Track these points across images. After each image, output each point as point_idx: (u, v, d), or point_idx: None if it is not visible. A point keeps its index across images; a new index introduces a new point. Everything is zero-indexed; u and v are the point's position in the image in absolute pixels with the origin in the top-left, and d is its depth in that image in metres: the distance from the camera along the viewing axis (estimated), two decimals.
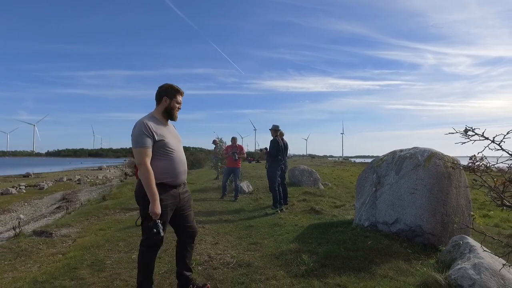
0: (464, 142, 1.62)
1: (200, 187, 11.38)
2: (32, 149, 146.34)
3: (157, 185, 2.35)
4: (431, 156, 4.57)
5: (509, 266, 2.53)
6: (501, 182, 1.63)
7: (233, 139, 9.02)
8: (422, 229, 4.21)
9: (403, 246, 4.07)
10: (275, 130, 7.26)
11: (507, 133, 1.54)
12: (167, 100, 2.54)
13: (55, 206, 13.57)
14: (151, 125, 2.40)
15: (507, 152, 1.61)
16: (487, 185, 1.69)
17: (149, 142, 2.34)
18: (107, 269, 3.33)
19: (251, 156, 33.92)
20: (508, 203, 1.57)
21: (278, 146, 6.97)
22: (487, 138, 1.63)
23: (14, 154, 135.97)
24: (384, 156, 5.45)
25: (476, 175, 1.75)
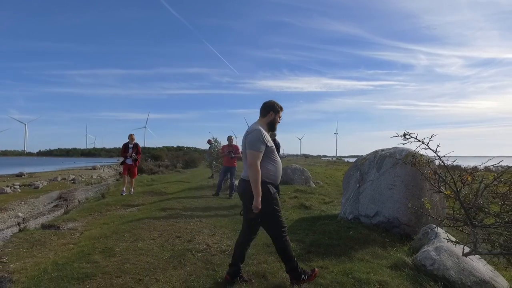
0: (405, 143, 2.06)
1: (196, 185, 11.77)
2: (23, 149, 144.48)
3: (266, 183, 2.83)
4: (408, 155, 5.06)
5: (456, 243, 3.01)
6: (432, 172, 2.09)
7: (230, 139, 9.42)
8: (399, 221, 4.70)
9: (381, 235, 4.54)
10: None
11: (431, 136, 2.01)
12: (273, 114, 3.07)
13: (52, 205, 13.77)
14: (265, 133, 2.90)
15: (432, 150, 2.08)
16: (425, 176, 2.16)
17: (262, 148, 2.82)
18: (116, 255, 3.74)
19: None
20: (441, 190, 2.02)
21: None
22: (419, 140, 2.09)
23: (5, 153, 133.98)
24: (367, 155, 5.94)
25: (416, 168, 2.21)
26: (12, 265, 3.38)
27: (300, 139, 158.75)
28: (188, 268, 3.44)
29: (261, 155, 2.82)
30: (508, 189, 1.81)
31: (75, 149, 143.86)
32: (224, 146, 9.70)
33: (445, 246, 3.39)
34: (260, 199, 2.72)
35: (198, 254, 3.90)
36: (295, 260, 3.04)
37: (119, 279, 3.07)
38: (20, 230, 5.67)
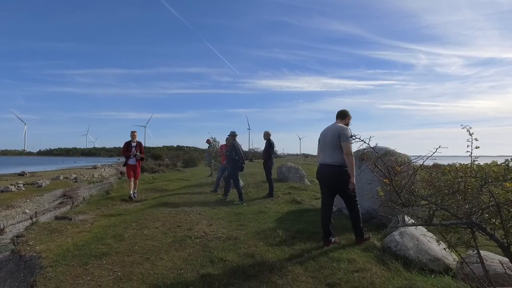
0: (352, 143, 2.58)
1: (196, 183, 12.34)
2: (23, 148, 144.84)
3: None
4: (386, 153, 5.63)
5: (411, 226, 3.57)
6: (374, 165, 2.65)
7: (228, 139, 9.98)
8: (376, 212, 5.26)
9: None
10: (233, 136, 8.50)
11: (370, 138, 2.58)
12: (348, 119, 4.39)
13: (57, 202, 14.34)
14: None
15: (372, 148, 2.64)
16: (370, 169, 2.72)
17: (352, 140, 3.72)
18: (126, 239, 4.30)
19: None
20: (381, 179, 2.58)
21: (234, 149, 8.23)
22: (361, 140, 2.66)
23: (5, 153, 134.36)
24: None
25: (364, 162, 2.77)
26: (38, 247, 3.95)
27: (300, 139, 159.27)
28: (188, 250, 4.00)
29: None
30: (429, 177, 2.37)
31: (75, 148, 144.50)
32: (222, 146, 10.26)
33: (408, 231, 3.97)
34: (354, 178, 4.05)
35: (197, 240, 4.47)
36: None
37: (129, 257, 3.64)
38: (32, 223, 6.24)
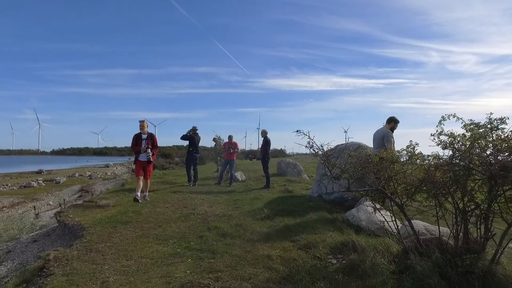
0: (298, 135, 3.69)
1: (202, 176, 13.50)
2: (38, 148, 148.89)
3: None
4: (358, 148, 6.67)
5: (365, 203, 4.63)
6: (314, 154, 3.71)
7: (229, 137, 11.12)
8: (348, 197, 6.31)
9: (335, 207, 6.16)
10: (194, 130, 10.57)
11: (313, 137, 3.65)
12: (394, 123, 5.94)
13: (76, 196, 15.79)
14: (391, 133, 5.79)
15: (312, 141, 3.72)
16: (314, 156, 3.79)
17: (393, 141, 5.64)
18: (143, 214, 5.48)
19: (253, 154, 35.64)
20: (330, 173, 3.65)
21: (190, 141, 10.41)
22: (305, 134, 3.72)
23: (20, 152, 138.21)
24: (332, 148, 7.58)
25: (317, 156, 3.86)
26: (76, 219, 5.14)
27: (309, 137, 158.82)
28: (191, 222, 5.14)
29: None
30: (354, 159, 3.44)
31: (87, 148, 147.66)
32: (225, 143, 11.38)
33: (363, 207, 5.03)
34: None
35: (199, 216, 5.60)
36: None
37: (146, 225, 4.81)
38: (61, 210, 7.47)
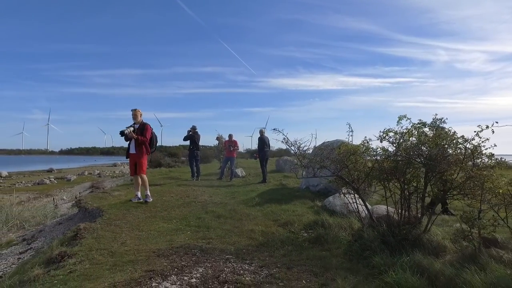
0: (275, 133, 4.52)
1: (206, 173, 14.43)
2: (46, 148, 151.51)
3: None
4: (341, 145, 7.49)
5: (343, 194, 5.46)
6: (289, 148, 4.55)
7: (230, 136, 12.00)
8: (332, 189, 7.14)
9: (318, 197, 6.99)
10: (193, 129, 11.39)
11: (287, 134, 4.48)
12: None
13: (87, 192, 16.82)
14: None
15: (285, 137, 4.55)
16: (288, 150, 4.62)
17: None
18: (151, 202, 6.38)
19: (257, 153, 36.25)
20: (300, 163, 4.48)
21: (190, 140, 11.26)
22: (280, 131, 4.55)
23: (29, 152, 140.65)
24: (320, 145, 8.41)
25: (288, 146, 4.69)
26: (95, 204, 6.05)
27: (316, 138, 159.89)
28: (192, 208, 6.02)
29: None
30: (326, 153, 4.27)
31: (94, 147, 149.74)
32: (226, 141, 12.25)
33: (340, 195, 5.86)
34: None
35: (199, 203, 6.48)
36: None
37: (154, 209, 5.71)
38: (80, 198, 8.41)
